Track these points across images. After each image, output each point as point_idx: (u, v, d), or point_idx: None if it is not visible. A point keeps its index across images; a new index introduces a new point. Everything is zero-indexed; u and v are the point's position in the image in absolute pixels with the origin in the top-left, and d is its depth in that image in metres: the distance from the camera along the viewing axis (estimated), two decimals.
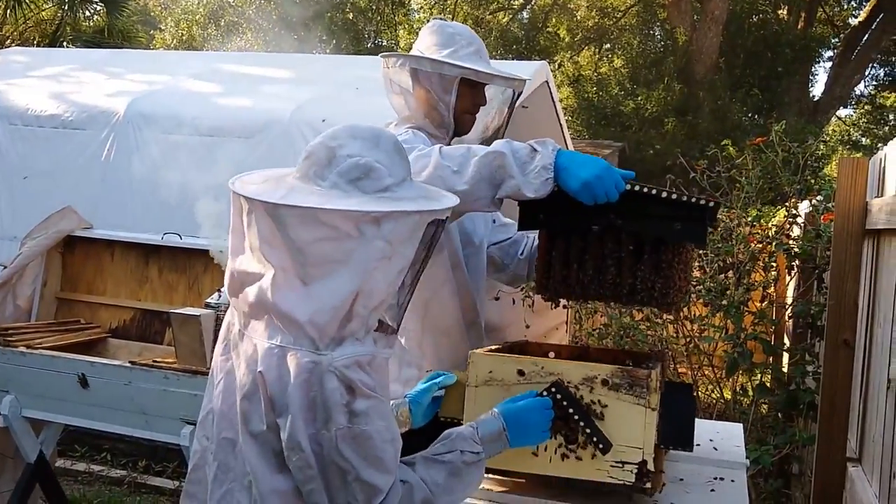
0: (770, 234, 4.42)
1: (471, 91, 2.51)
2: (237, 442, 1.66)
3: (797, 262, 4.27)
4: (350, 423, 1.57)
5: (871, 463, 2.91)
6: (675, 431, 2.03)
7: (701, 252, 4.41)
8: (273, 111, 6.12)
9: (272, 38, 16.85)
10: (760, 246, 4.38)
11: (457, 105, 2.48)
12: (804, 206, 4.72)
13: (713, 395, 4.96)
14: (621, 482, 1.93)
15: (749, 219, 4.48)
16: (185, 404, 3.29)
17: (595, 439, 1.92)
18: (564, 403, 1.93)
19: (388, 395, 1.68)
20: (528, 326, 5.26)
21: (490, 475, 2.09)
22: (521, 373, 2.01)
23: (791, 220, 4.46)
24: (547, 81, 7.03)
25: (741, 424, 2.94)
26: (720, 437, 2.73)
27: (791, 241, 4.29)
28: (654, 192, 2.01)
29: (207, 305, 3.51)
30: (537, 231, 2.61)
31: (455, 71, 2.44)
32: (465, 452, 1.78)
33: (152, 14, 19.71)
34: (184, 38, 17.60)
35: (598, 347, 2.44)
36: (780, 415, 4.48)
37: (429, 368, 2.45)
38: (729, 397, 4.83)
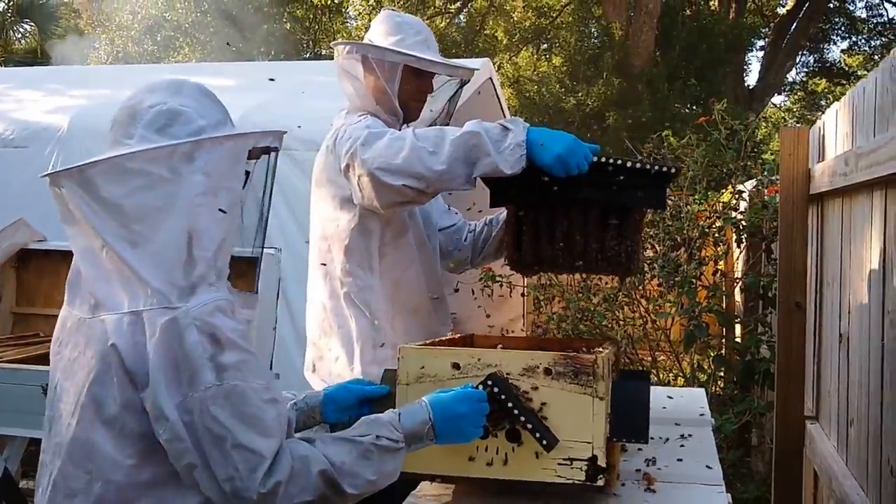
0: (718, 209, 4.55)
1: (417, 79, 2.58)
2: (64, 443, 1.51)
3: (745, 235, 4.40)
4: (219, 381, 1.44)
5: (829, 417, 3.03)
6: (628, 422, 1.83)
7: (652, 231, 4.52)
8: None
9: (210, 51, 16.70)
10: (709, 222, 4.51)
11: (401, 92, 2.54)
12: (749, 185, 4.87)
13: (672, 373, 5.08)
14: (571, 481, 1.76)
15: (697, 196, 4.60)
16: None
17: (538, 435, 1.73)
18: (502, 397, 1.74)
19: (258, 355, 1.55)
20: (488, 316, 5.34)
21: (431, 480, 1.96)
22: (455, 366, 1.83)
23: (737, 196, 4.60)
24: (491, 78, 7.13)
25: (703, 389, 3.04)
26: (684, 402, 2.83)
27: (738, 215, 4.42)
28: (619, 162, 2.10)
29: None
30: (482, 220, 2.75)
31: (398, 58, 2.52)
32: (381, 437, 1.61)
33: (85, 32, 19.38)
34: (119, 55, 17.34)
35: (551, 338, 2.34)
36: (737, 386, 4.61)
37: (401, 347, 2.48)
38: (688, 371, 4.95)
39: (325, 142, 2.59)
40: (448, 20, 21.40)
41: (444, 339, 2.22)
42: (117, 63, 16.45)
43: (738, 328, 4.93)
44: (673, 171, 2.13)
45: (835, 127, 2.97)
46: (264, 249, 3.53)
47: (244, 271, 3.73)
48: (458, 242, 2.81)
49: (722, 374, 4.84)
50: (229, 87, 7.32)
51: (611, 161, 2.10)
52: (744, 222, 4.36)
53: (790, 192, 3.32)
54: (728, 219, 4.38)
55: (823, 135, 3.22)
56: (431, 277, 2.62)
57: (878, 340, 2.26)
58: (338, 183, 2.47)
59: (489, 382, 1.75)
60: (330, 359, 2.60)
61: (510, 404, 1.74)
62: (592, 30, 19.08)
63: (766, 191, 4.19)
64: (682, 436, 2.40)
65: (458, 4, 21.53)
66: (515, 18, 21.28)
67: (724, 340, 4.75)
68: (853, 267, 2.61)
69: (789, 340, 3.35)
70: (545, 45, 20.96)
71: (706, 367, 5.65)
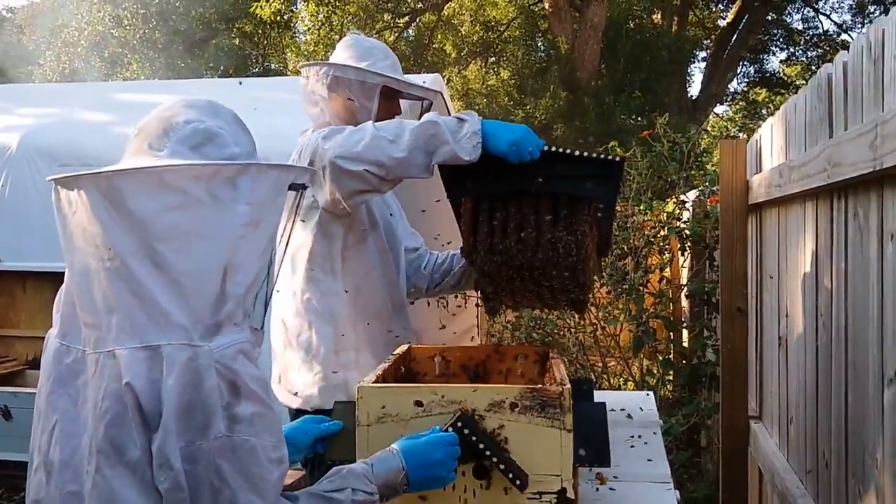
0: (662, 219, 4.72)
1: (387, 102, 2.67)
2: (84, 493, 1.36)
3: (689, 243, 4.57)
4: (230, 432, 1.33)
5: (771, 417, 3.17)
6: (592, 448, 1.83)
7: None
8: None
9: (159, 67, 16.59)
10: (654, 231, 4.67)
11: (377, 113, 2.61)
12: (692, 195, 5.05)
13: (622, 377, 5.23)
14: None
15: (642, 207, 4.77)
16: None
17: (511, 475, 1.70)
18: (473, 438, 1.70)
19: (275, 405, 1.44)
20: (443, 327, 5.44)
21: None
22: (418, 404, 1.76)
23: (680, 206, 4.77)
24: (441, 92, 7.25)
25: (651, 393, 3.16)
26: (633, 405, 2.94)
27: (682, 224, 4.59)
28: (567, 151, 2.22)
29: None
30: (447, 252, 2.86)
31: (377, 80, 2.60)
32: (357, 491, 1.54)
33: (30, 48, 19.10)
34: (66, 71, 17.13)
35: (485, 346, 2.29)
36: (684, 389, 4.77)
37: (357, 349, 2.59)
38: (637, 375, 5.10)
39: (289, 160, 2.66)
40: (397, 34, 21.53)
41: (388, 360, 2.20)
42: (63, 79, 16.25)
43: (684, 333, 5.10)
44: (618, 160, 2.24)
45: (770, 140, 3.14)
46: None
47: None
48: (416, 270, 2.90)
49: (670, 377, 5.00)
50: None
51: (560, 150, 2.22)
52: (687, 231, 4.54)
53: (730, 203, 3.48)
54: (672, 228, 4.55)
55: (760, 147, 3.38)
56: (393, 284, 2.70)
57: (812, 341, 2.40)
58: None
59: (459, 424, 1.70)
60: (293, 368, 2.67)
61: (482, 445, 1.70)
62: (539, 44, 19.39)
63: (708, 200, 4.36)
64: (632, 436, 2.52)
65: (407, 19, 21.68)
66: (463, 32, 21.49)
67: (671, 345, 4.91)
68: (789, 273, 2.76)
69: (732, 344, 3.50)
70: (493, 59, 21.19)
71: (654, 370, 5.83)
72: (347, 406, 1.85)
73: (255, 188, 1.39)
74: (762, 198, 3.09)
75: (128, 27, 16.27)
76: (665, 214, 4.75)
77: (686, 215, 4.80)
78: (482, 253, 2.23)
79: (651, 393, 3.12)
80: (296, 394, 2.67)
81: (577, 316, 5.10)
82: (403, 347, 2.09)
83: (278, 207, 1.44)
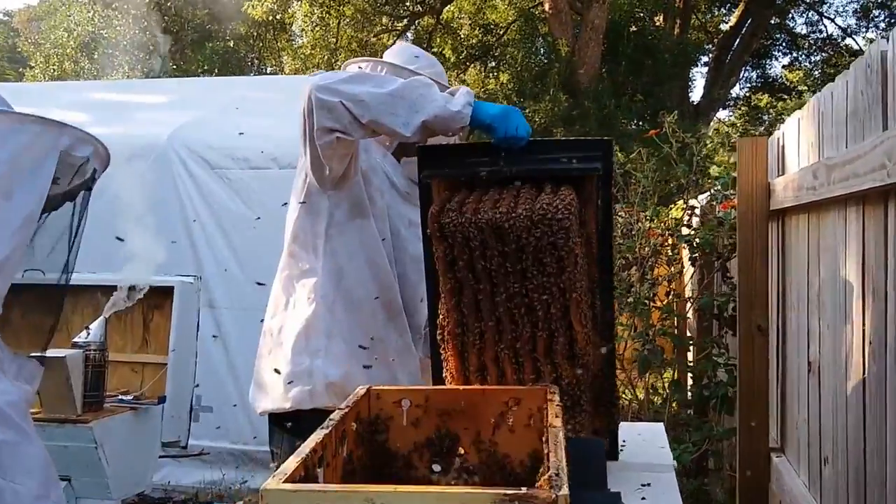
0: (670, 225, 4.34)
1: None
2: None
3: (699, 253, 4.18)
4: None
5: (797, 451, 2.79)
6: None
7: None
8: (148, 136, 5.81)
9: (150, 69, 16.24)
10: (661, 239, 4.29)
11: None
12: (702, 199, 4.67)
13: (625, 396, 4.84)
14: None
15: (648, 213, 4.39)
16: (53, 458, 2.91)
17: None
18: None
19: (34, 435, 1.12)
20: None
21: None
22: None
23: (689, 211, 4.39)
24: None
25: (662, 424, 2.79)
26: (642, 439, 2.56)
27: (692, 232, 4.20)
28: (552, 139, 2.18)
29: (75, 345, 3.16)
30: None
31: (398, 72, 2.41)
32: None
33: (20, 51, 18.79)
34: (55, 73, 16.78)
35: (472, 388, 1.85)
36: (692, 411, 4.39)
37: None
38: (642, 397, 4.71)
39: None
40: (395, 38, 21.21)
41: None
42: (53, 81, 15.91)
43: (690, 350, 4.71)
44: (605, 139, 2.07)
45: (797, 137, 2.76)
46: (180, 278, 3.22)
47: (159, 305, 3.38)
48: None
49: (676, 397, 4.62)
50: (160, 104, 7.00)
51: (540, 138, 2.14)
52: (697, 240, 4.15)
53: (749, 208, 3.11)
54: (682, 236, 4.16)
55: (783, 146, 3.01)
56: (379, 275, 2.39)
57: (858, 372, 2.03)
58: (300, 168, 2.39)
59: None
60: (263, 357, 2.41)
61: None
62: (539, 46, 19.03)
63: (720, 206, 3.99)
64: (643, 485, 2.14)
65: (405, 22, 21.39)
66: (462, 36, 21.18)
67: (676, 363, 4.53)
68: (824, 289, 2.38)
69: (751, 366, 3.13)
70: (492, 63, 20.88)
71: (660, 388, 5.44)
72: None
73: (11, 139, 1.11)
74: (789, 202, 2.72)
75: (118, 28, 15.91)
76: (673, 221, 4.38)
77: (695, 222, 4.41)
78: (449, 214, 1.92)
79: (662, 426, 2.74)
80: (264, 388, 2.39)
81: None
82: (362, 391, 1.70)
83: (43, 175, 1.13)
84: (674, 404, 4.34)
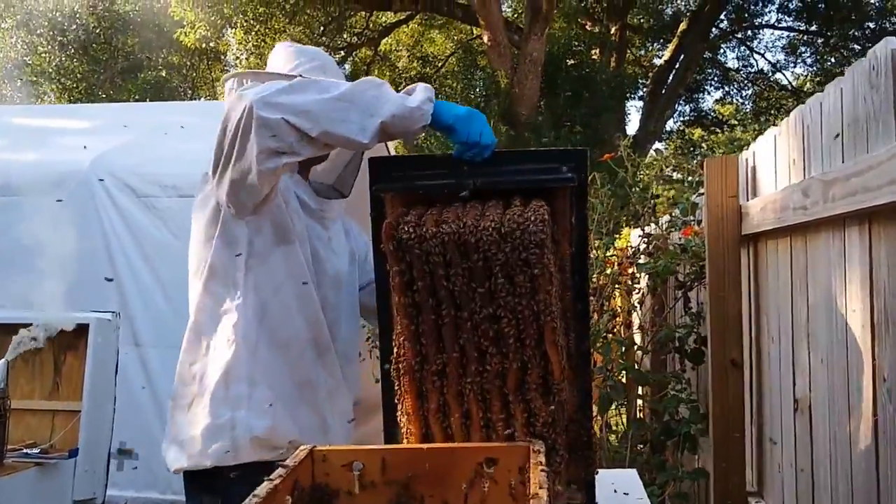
0: (629, 255, 4.12)
1: None
2: None
3: (659, 281, 3.96)
4: None
5: (780, 496, 2.56)
6: None
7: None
8: (69, 163, 5.43)
9: (77, 97, 15.67)
10: (621, 269, 4.07)
11: None
12: (653, 228, 4.48)
13: None
14: None
15: (603, 241, 4.17)
16: None
17: None
18: None
19: None
20: (377, 381, 4.74)
21: None
22: None
23: (646, 239, 4.18)
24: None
25: (635, 471, 2.54)
26: (617, 492, 2.30)
27: (651, 260, 3.99)
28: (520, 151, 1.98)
29: None
30: None
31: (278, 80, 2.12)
32: None
33: None
34: None
35: (439, 446, 1.61)
36: (653, 450, 4.15)
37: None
38: (599, 435, 4.46)
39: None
40: None
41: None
42: None
43: (646, 386, 4.48)
44: (580, 149, 1.87)
45: (772, 155, 2.56)
46: (96, 314, 2.86)
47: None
48: None
49: (637, 435, 4.37)
50: (83, 129, 6.61)
51: (512, 150, 1.93)
52: (657, 268, 3.93)
53: (720, 233, 2.89)
54: (641, 265, 3.95)
55: (754, 166, 2.81)
56: (306, 308, 2.09)
57: (865, 413, 1.79)
58: (206, 196, 2.07)
59: None
60: (180, 409, 2.07)
61: None
62: (478, 78, 19.00)
63: (681, 232, 3.78)
64: None
65: (343, 54, 21.23)
66: (401, 67, 21.08)
67: (637, 400, 4.30)
68: (815, 319, 2.16)
69: (725, 402, 2.90)
70: None
71: (615, 425, 5.20)
72: None
73: None
74: (768, 226, 2.50)
75: (43, 55, 15.32)
76: (630, 249, 4.16)
77: (651, 249, 4.19)
78: (407, 228, 1.68)
79: (635, 472, 2.48)
80: (180, 442, 2.06)
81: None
82: (302, 453, 1.39)
83: None
84: (640, 445, 4.08)
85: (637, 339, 4.44)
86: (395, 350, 1.78)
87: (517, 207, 1.69)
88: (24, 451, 2.98)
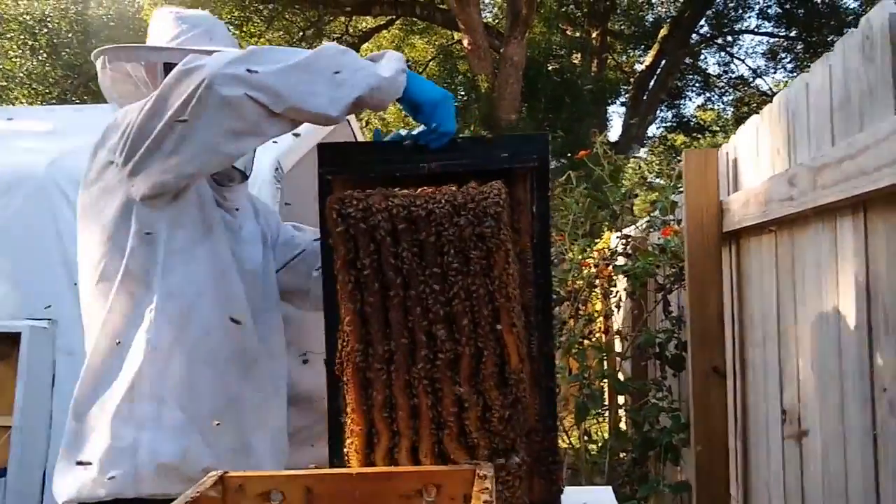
0: (606, 255, 3.93)
1: None
2: None
3: (638, 284, 3.77)
4: None
5: None
6: None
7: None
8: (24, 165, 5.20)
9: (50, 101, 15.37)
10: (596, 270, 3.87)
11: None
12: (632, 230, 4.29)
13: (561, 445, 4.38)
14: None
15: (579, 242, 3.97)
16: None
17: None
18: None
19: None
20: None
21: None
22: None
23: (624, 240, 3.98)
24: (347, 119, 6.50)
25: (610, 488, 2.34)
26: None
27: (628, 261, 3.80)
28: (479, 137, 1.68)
29: None
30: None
31: (154, 56, 1.93)
32: None
33: None
34: None
35: (374, 470, 1.42)
36: (634, 462, 3.95)
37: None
38: (578, 445, 4.26)
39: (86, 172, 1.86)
40: None
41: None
42: None
43: (626, 393, 4.28)
44: (540, 133, 1.67)
45: (754, 146, 2.38)
46: (30, 322, 2.64)
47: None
48: (308, 275, 2.09)
49: (616, 444, 4.17)
50: (43, 132, 6.39)
51: (471, 137, 1.61)
52: (635, 270, 3.74)
53: (699, 232, 2.70)
54: (619, 267, 3.75)
55: (735, 159, 2.63)
56: (233, 313, 1.83)
57: (863, 425, 1.60)
58: (108, 189, 1.77)
59: None
60: (76, 432, 1.78)
61: None
62: (458, 83, 18.83)
63: (661, 232, 3.60)
64: None
65: None
66: None
67: (616, 409, 4.11)
68: (804, 322, 1.97)
69: (708, 414, 2.71)
70: None
71: (594, 434, 5.01)
72: None
73: None
74: (750, 221, 2.32)
75: (14, 59, 15.02)
76: (608, 250, 3.97)
77: (629, 250, 4.00)
78: (353, 201, 1.55)
79: (609, 489, 2.28)
80: (72, 470, 1.76)
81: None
82: (210, 479, 1.17)
83: None
84: (621, 454, 3.88)
85: (616, 344, 4.25)
86: (340, 342, 1.59)
87: (473, 186, 1.56)
88: None
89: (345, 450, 1.60)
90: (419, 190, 1.58)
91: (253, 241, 1.99)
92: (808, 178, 1.77)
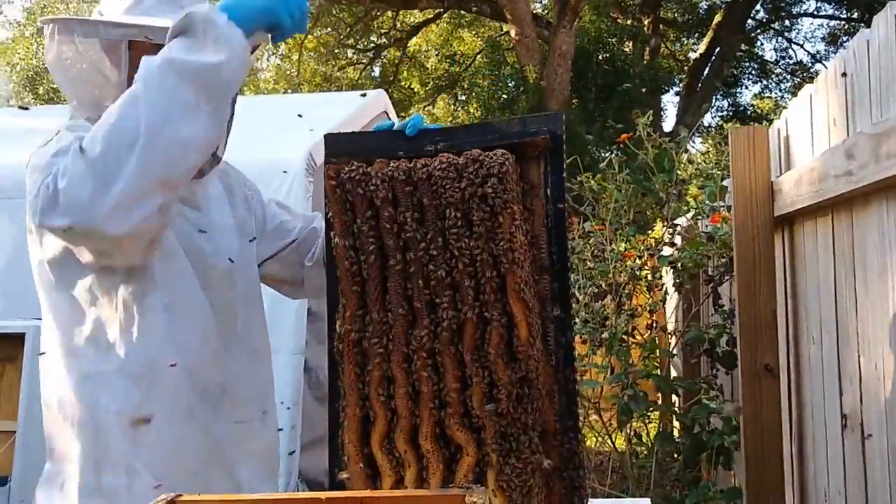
0: (650, 244, 3.68)
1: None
2: None
3: (685, 276, 3.52)
4: None
5: None
6: None
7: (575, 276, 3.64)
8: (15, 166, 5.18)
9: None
10: (640, 262, 3.63)
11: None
12: (682, 221, 4.04)
13: (605, 447, 4.16)
14: None
15: (622, 232, 3.73)
16: None
17: None
18: None
19: None
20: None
21: None
22: None
23: (671, 229, 3.73)
24: (386, 111, 6.37)
25: (648, 500, 2.12)
26: None
27: (675, 252, 3.55)
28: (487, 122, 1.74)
29: None
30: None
31: (114, 33, 1.61)
32: None
33: None
34: None
35: (349, 497, 1.22)
36: (682, 464, 3.71)
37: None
38: (623, 448, 4.03)
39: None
40: (360, 71, 20.73)
41: None
42: None
43: (677, 393, 4.03)
44: (555, 112, 1.61)
45: (808, 119, 2.14)
46: (34, 322, 2.51)
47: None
48: (300, 265, 1.89)
49: (663, 448, 3.93)
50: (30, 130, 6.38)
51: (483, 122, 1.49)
52: (681, 261, 3.49)
53: (748, 216, 2.46)
54: (663, 257, 3.51)
55: (787, 136, 2.38)
56: (207, 344, 1.62)
57: None
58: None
59: None
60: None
61: None
62: (506, 75, 18.59)
63: (709, 220, 3.35)
64: None
65: (371, 55, 21.00)
66: (429, 68, 20.77)
67: (664, 410, 3.87)
68: (866, 317, 1.73)
69: (758, 416, 2.47)
70: (461, 94, 20.53)
71: (645, 438, 4.76)
72: None
73: None
74: (804, 202, 2.07)
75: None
76: (652, 241, 3.73)
77: (679, 241, 3.74)
78: (352, 168, 1.47)
79: (648, 501, 2.07)
80: None
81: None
82: (163, 500, 1.00)
83: None
84: (676, 455, 3.63)
85: (664, 341, 4.00)
86: (338, 322, 1.45)
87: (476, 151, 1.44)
88: None
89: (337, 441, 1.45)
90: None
91: (224, 230, 1.74)
92: (869, 147, 1.54)
